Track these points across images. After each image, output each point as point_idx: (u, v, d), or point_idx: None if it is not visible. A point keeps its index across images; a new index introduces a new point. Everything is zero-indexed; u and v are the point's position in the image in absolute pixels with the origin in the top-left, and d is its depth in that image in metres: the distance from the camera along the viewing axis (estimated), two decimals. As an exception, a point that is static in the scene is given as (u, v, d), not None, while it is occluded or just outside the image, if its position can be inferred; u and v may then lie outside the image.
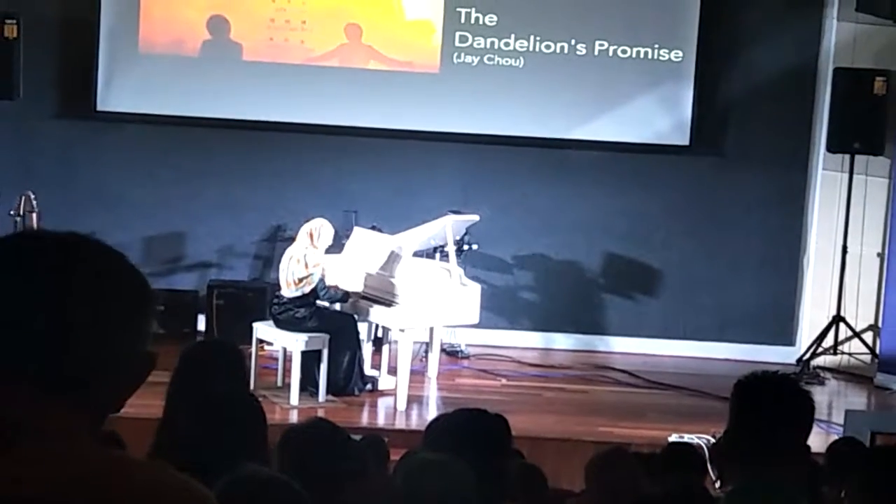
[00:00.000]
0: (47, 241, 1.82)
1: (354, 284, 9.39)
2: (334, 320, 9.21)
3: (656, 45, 10.95)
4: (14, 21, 10.04)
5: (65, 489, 1.71)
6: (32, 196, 10.10)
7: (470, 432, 4.39)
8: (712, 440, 7.88)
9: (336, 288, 9.28)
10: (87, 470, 1.74)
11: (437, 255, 10.01)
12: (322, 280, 9.15)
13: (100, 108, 10.83)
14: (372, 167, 11.06)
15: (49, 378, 1.76)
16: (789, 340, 11.20)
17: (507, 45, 10.94)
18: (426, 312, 9.26)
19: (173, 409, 4.32)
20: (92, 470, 1.74)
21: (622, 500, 4.79)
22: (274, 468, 3.91)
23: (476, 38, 10.94)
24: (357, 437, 5.10)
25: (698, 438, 8.26)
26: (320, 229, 9.21)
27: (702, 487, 4.70)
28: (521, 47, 10.95)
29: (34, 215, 10.08)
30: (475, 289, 9.52)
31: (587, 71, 10.97)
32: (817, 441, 6.25)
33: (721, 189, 11.17)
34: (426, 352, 10.02)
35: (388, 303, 9.16)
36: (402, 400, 9.09)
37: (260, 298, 10.49)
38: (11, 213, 10.08)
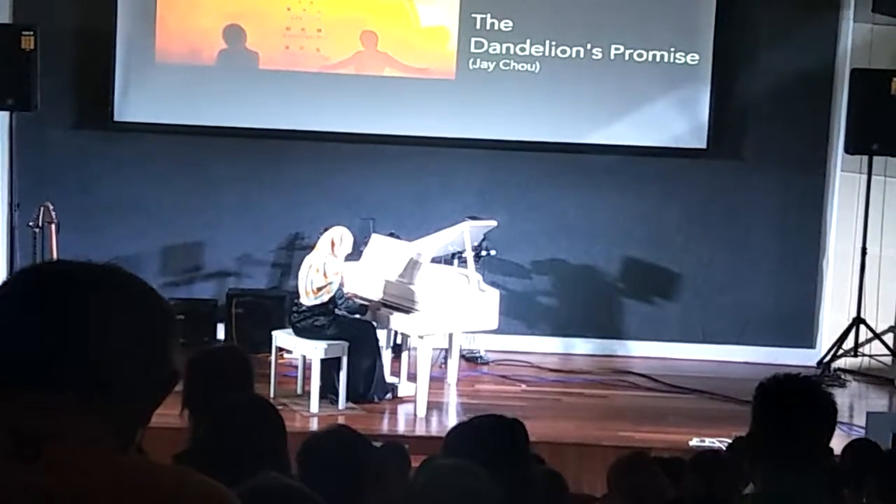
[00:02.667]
0: (77, 266, 1.91)
1: (373, 292, 9.38)
2: (353, 328, 9.20)
3: (672, 49, 10.94)
4: (31, 33, 10.06)
5: (90, 496, 1.74)
6: (51, 207, 10.13)
7: (488, 438, 4.38)
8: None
9: (354, 298, 9.29)
10: (112, 476, 1.76)
11: (456, 261, 10.00)
12: (341, 289, 9.15)
13: (117, 118, 10.86)
14: (389, 174, 11.07)
15: (72, 390, 1.80)
16: (809, 343, 11.17)
17: (522, 50, 10.94)
18: (445, 319, 9.25)
19: (191, 416, 4.34)
20: (116, 476, 1.77)
21: (644, 504, 4.78)
22: (295, 475, 3.91)
23: (492, 44, 10.94)
24: (377, 444, 5.09)
25: (719, 442, 8.24)
26: (342, 237, 9.22)
27: (724, 491, 4.68)
28: (537, 52, 10.94)
29: (53, 226, 10.11)
30: (494, 294, 9.51)
31: (603, 75, 10.96)
32: (839, 444, 6.23)
33: (739, 192, 11.14)
34: (445, 358, 10.01)
35: (407, 310, 9.15)
36: (422, 406, 9.08)
37: (279, 307, 10.51)
38: (30, 224, 10.11)
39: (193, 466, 3.53)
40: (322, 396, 9.03)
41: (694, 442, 8.40)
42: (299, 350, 9.30)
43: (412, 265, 9.29)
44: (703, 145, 11.00)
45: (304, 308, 9.16)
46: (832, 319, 11.06)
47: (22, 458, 1.74)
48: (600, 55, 10.95)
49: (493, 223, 9.98)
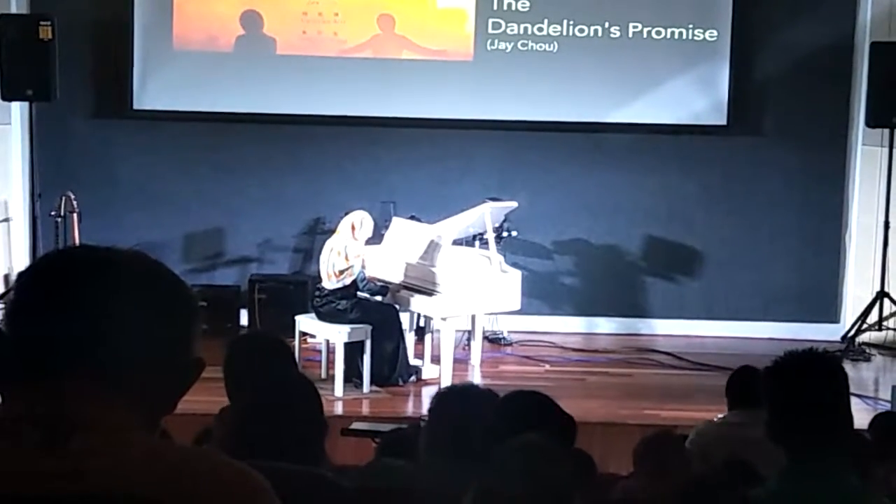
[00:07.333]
0: (99, 252, 1.90)
1: (395, 275, 9.39)
2: (376, 311, 9.21)
3: (691, 25, 10.89)
4: (49, 23, 10.08)
5: (119, 481, 1.74)
6: (72, 196, 10.16)
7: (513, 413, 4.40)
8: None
9: (375, 281, 9.29)
10: (140, 461, 1.77)
11: (477, 242, 10.00)
12: (362, 272, 9.16)
13: (136, 106, 10.88)
14: (409, 157, 11.07)
15: (97, 377, 1.80)
16: (833, 317, 11.14)
17: (540, 30, 10.91)
18: (468, 300, 9.25)
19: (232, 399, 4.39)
20: (144, 461, 1.77)
21: (671, 482, 4.77)
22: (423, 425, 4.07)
23: (509, 25, 10.92)
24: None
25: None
26: (362, 221, 9.22)
27: (752, 467, 4.67)
28: (555, 32, 10.92)
29: (75, 215, 10.15)
30: (516, 275, 9.51)
31: (622, 53, 10.93)
32: (865, 418, 6.21)
33: (760, 168, 11.11)
34: (469, 340, 10.01)
35: (429, 292, 9.15)
36: (447, 389, 9.08)
37: (301, 291, 10.53)
38: (52, 213, 10.15)
39: (232, 447, 3.55)
40: (346, 380, 9.05)
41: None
42: (322, 334, 9.32)
43: (433, 247, 9.29)
44: (724, 122, 10.96)
45: (326, 292, 9.17)
46: (856, 294, 11.03)
47: (51, 446, 1.74)
48: (618, 33, 10.92)
49: (514, 204, 9.97)
